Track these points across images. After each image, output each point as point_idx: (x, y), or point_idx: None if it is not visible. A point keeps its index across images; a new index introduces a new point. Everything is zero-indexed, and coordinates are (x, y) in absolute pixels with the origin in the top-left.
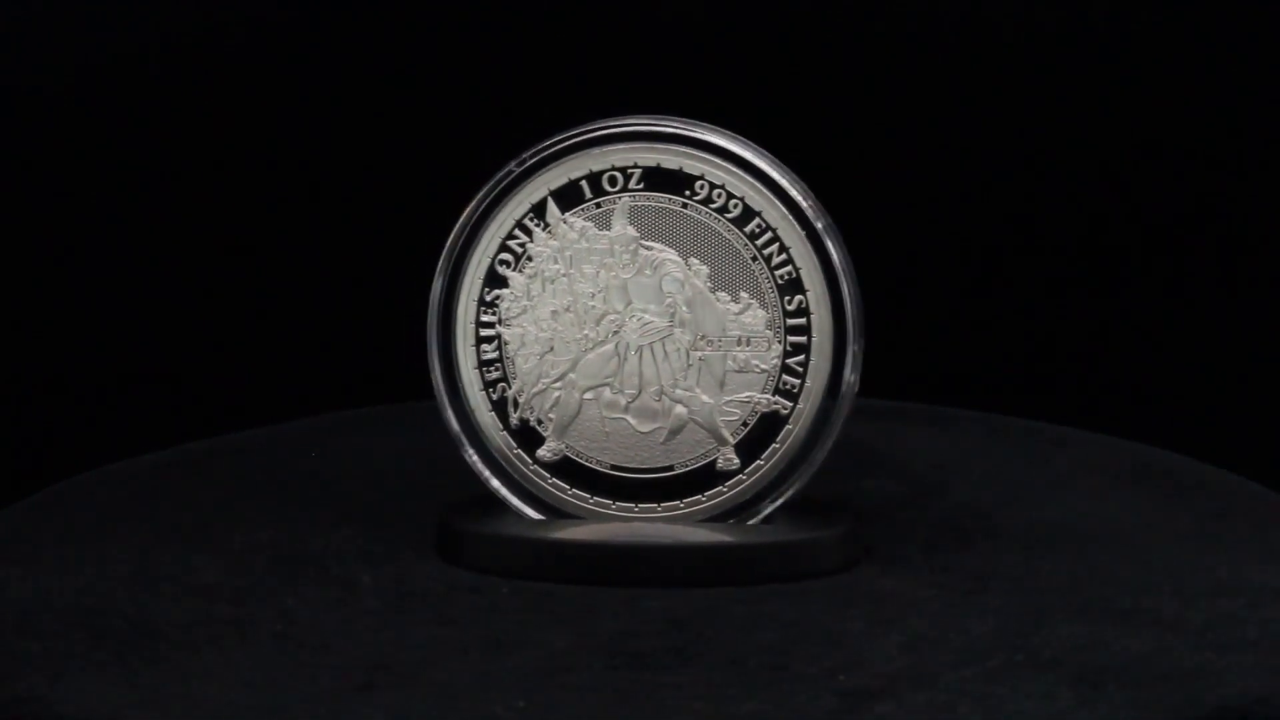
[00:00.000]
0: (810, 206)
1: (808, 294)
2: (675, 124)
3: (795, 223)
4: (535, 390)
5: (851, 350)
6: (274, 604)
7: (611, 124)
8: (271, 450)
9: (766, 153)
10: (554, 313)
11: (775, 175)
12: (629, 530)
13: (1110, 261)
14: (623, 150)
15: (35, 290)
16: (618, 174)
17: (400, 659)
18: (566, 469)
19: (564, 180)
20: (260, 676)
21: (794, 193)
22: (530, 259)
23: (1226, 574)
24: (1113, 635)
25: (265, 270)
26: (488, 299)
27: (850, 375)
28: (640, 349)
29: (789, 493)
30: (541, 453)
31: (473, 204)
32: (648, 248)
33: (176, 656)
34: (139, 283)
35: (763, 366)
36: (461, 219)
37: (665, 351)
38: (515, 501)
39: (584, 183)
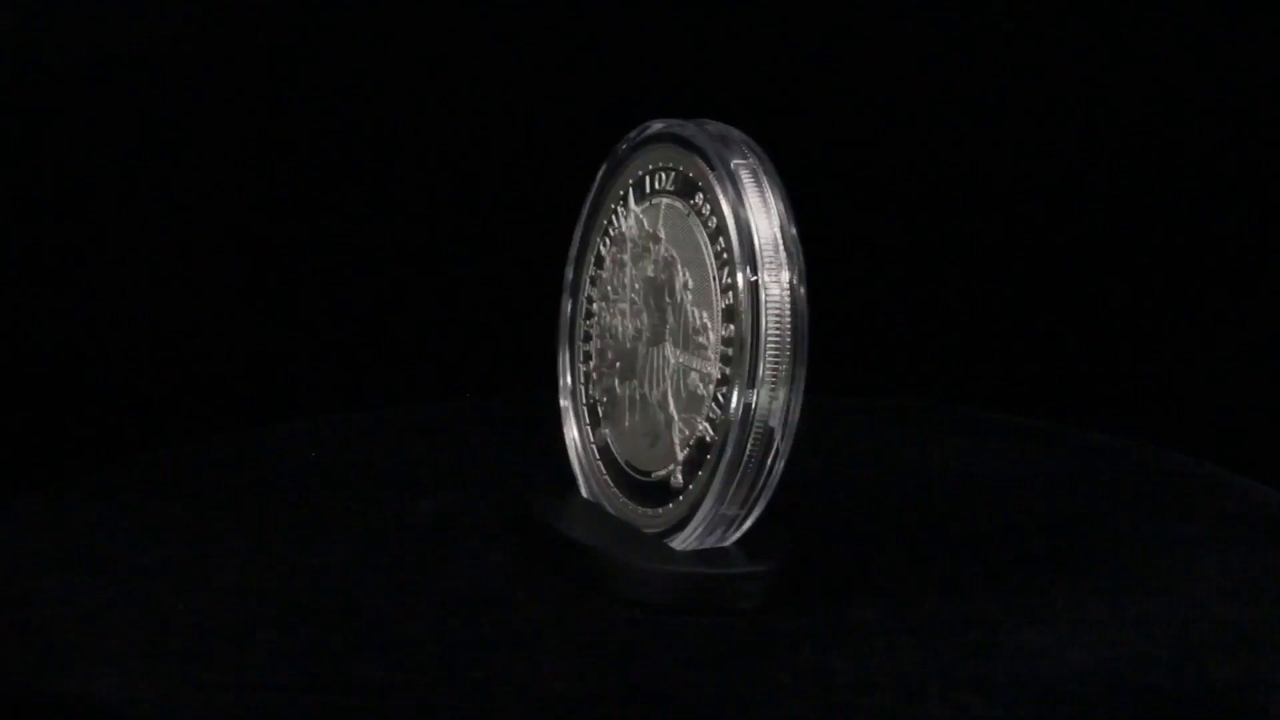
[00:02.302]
0: (767, 232)
1: (742, 322)
2: (688, 126)
3: (738, 246)
4: (596, 375)
5: (765, 387)
6: (281, 551)
7: (655, 123)
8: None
9: (753, 163)
10: (614, 301)
11: (719, 191)
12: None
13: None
14: (660, 150)
15: (33, 290)
16: (661, 173)
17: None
18: (609, 456)
19: (639, 173)
20: (160, 602)
21: (729, 211)
22: (614, 244)
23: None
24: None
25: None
26: (593, 276)
27: (767, 410)
28: (648, 350)
29: (724, 516)
30: (596, 436)
31: (596, 184)
32: (667, 250)
33: (131, 577)
34: (147, 282)
35: (704, 390)
36: (590, 200)
37: (665, 358)
38: (578, 478)
39: (647, 177)
